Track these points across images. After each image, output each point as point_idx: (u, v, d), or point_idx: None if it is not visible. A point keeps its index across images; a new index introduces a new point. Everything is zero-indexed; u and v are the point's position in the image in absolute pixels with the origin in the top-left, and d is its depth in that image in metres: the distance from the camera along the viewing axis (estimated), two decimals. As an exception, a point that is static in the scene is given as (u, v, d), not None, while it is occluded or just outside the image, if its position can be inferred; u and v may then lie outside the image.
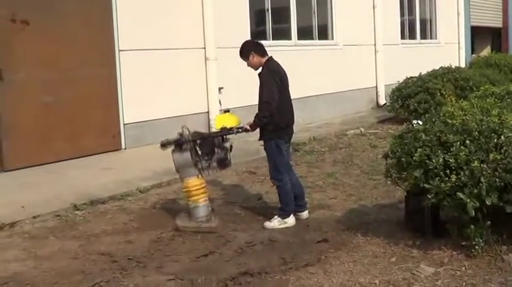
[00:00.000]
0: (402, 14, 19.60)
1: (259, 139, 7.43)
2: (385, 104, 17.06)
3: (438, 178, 5.71)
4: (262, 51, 7.42)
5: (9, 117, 9.48)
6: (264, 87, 7.24)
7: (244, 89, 12.90)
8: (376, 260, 5.94)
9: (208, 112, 12.23)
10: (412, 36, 20.23)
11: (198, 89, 12.28)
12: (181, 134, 7.11)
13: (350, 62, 16.48)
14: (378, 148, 11.68)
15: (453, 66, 15.84)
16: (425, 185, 5.80)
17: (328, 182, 9.25)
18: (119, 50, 10.97)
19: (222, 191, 8.84)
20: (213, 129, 7.37)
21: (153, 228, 7.20)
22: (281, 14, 14.91)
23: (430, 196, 5.77)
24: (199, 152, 7.14)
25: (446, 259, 5.85)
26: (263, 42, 13.96)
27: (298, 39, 15.11)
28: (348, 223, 7.18)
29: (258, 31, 14.10)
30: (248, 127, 7.33)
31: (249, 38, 13.40)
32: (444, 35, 21.56)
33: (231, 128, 7.33)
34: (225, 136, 7.32)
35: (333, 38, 16.40)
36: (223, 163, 7.29)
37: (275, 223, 7.23)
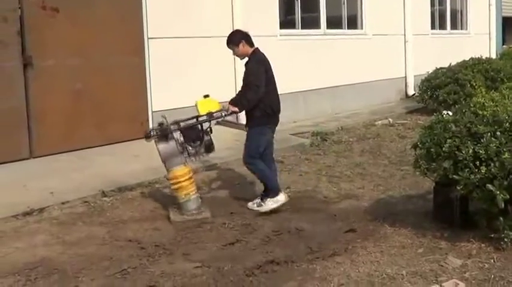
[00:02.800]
0: (433, 4, 19.40)
1: (246, 125, 7.60)
2: (414, 94, 16.97)
3: (468, 169, 5.66)
4: (251, 41, 7.60)
5: (39, 104, 9.53)
6: (252, 75, 7.38)
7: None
8: (403, 251, 5.92)
9: (236, 101, 12.23)
10: (442, 26, 20.03)
11: (226, 77, 12.26)
12: (161, 124, 7.17)
13: (379, 51, 16.37)
14: (406, 138, 11.63)
15: (484, 57, 15.67)
16: (454, 176, 5.76)
17: (356, 172, 9.22)
18: (148, 38, 10.98)
19: (249, 180, 8.83)
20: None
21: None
22: (310, 3, 14.83)
23: (459, 188, 5.74)
24: (187, 140, 7.17)
25: (475, 251, 5.81)
26: (292, 31, 14.06)
27: (327, 28, 15.02)
28: (376, 213, 7.15)
29: (287, 20, 14.07)
30: (236, 109, 7.38)
31: (278, 26, 13.43)
32: (475, 25, 21.33)
33: (218, 112, 7.38)
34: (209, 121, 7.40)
35: (362, 28, 16.29)
36: (210, 148, 7.36)
37: (268, 204, 7.39)
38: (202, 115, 7.33)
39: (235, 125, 11.90)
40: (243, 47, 7.51)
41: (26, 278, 5.54)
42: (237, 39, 7.52)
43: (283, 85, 13.16)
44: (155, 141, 7.15)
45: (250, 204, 7.58)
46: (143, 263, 5.86)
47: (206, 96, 7.54)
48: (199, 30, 11.81)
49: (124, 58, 10.62)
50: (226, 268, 5.64)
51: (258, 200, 7.55)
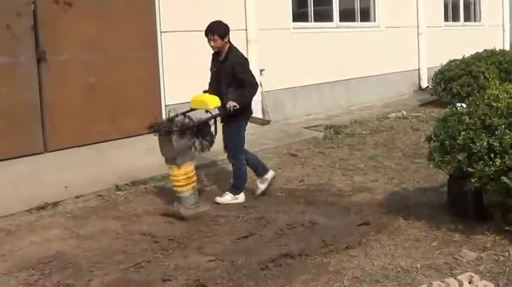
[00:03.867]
0: (446, -4, 19.35)
1: (222, 121, 7.55)
2: (428, 87, 16.91)
3: (482, 161, 5.64)
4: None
5: (53, 98, 9.55)
6: (248, 74, 7.50)
7: (285, 71, 12.88)
8: (417, 244, 5.90)
9: (249, 94, 12.19)
10: (455, 18, 19.93)
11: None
12: (171, 119, 7.16)
13: (392, 44, 16.31)
14: (420, 131, 11.60)
15: (497, 49, 15.59)
16: (468, 168, 5.74)
17: (370, 165, 9.21)
18: (161, 32, 10.98)
19: (262, 173, 8.84)
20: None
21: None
22: (323, -4, 14.81)
23: (473, 180, 5.71)
24: (199, 135, 7.15)
25: (489, 243, 5.78)
26: (305, 24, 14.04)
27: (340, 21, 14.97)
28: (389, 206, 7.14)
29: (299, 13, 14.02)
30: (237, 104, 7.30)
31: (291, 19, 13.39)
32: (488, 17, 21.21)
33: (223, 107, 7.35)
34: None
35: (375, 20, 16.23)
36: (212, 142, 7.33)
37: (227, 197, 7.54)
38: (212, 110, 7.34)
39: (250, 118, 11.89)
40: (225, 41, 7.50)
41: (40, 272, 5.56)
42: (226, 31, 7.49)
43: (296, 78, 13.22)
44: (163, 137, 7.09)
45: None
46: (157, 256, 5.87)
47: (206, 91, 7.53)
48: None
49: (137, 52, 10.63)
50: (240, 262, 5.64)
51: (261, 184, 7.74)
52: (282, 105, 12.90)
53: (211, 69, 7.76)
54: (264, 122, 11.89)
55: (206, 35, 7.49)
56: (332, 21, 14.82)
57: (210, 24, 7.52)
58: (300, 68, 13.22)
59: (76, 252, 6.04)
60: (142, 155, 9.41)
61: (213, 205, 7.42)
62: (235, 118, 7.42)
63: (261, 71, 12.32)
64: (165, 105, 11.02)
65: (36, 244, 6.27)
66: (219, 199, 7.54)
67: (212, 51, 7.70)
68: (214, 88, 7.57)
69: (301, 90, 13.42)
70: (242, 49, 12.16)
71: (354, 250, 5.84)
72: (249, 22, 12.24)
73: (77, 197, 7.66)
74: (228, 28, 7.56)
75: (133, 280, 5.42)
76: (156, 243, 6.22)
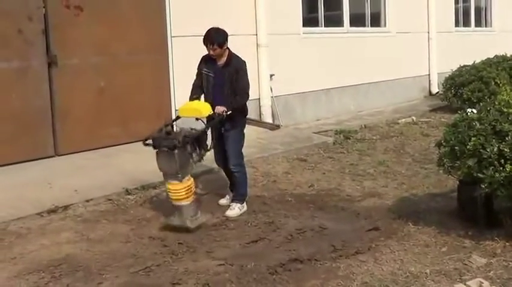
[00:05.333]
0: (457, 1, 19.27)
1: (228, 128, 7.33)
2: (438, 92, 16.88)
3: (492, 167, 5.64)
4: None
5: (63, 102, 9.58)
6: (246, 81, 7.37)
7: (295, 76, 12.89)
8: (427, 250, 5.90)
9: (259, 99, 12.19)
10: (466, 23, 19.89)
11: (249, 76, 12.27)
12: (168, 132, 6.87)
13: (403, 49, 16.28)
14: (430, 136, 11.58)
15: (508, 55, 15.53)
16: (478, 174, 5.74)
17: (379, 170, 9.20)
18: (172, 36, 11.00)
19: (272, 179, 8.85)
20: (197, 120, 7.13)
21: (203, 213, 7.22)
22: (333, 1, 14.78)
23: (483, 186, 5.71)
24: (199, 146, 6.96)
25: (499, 249, 5.78)
26: (315, 29, 14.04)
27: (351, 26, 14.97)
28: (399, 211, 7.13)
29: (309, 18, 14.03)
30: (226, 109, 7.12)
31: (301, 24, 13.39)
32: (499, 22, 21.15)
33: (218, 113, 7.11)
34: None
35: (385, 25, 16.21)
36: (208, 150, 7.18)
37: (237, 210, 7.33)
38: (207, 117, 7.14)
39: (260, 123, 11.90)
40: (225, 48, 7.32)
41: (50, 275, 5.59)
42: (224, 39, 7.30)
43: (306, 83, 13.22)
44: (163, 151, 6.82)
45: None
46: (167, 260, 5.89)
47: (196, 98, 7.41)
48: (222, 28, 11.80)
49: (148, 56, 10.66)
50: (249, 266, 5.65)
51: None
52: (291, 110, 12.90)
53: (201, 73, 7.53)
54: (273, 127, 11.90)
55: (205, 44, 7.31)
56: (342, 26, 14.81)
57: (207, 32, 7.32)
58: (310, 73, 13.22)
59: (86, 255, 6.07)
60: (152, 159, 9.35)
61: (217, 211, 7.38)
62: (235, 124, 7.33)
63: (271, 75, 12.34)
64: (175, 110, 11.04)
65: (47, 247, 6.30)
66: (229, 213, 7.28)
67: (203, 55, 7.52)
68: (208, 93, 7.39)
69: (311, 95, 13.42)
70: (252, 54, 12.25)
71: (363, 255, 5.84)
72: (259, 27, 12.26)
73: (87, 200, 7.68)
74: (227, 34, 7.37)
75: (142, 284, 5.44)
76: (165, 247, 6.23)
